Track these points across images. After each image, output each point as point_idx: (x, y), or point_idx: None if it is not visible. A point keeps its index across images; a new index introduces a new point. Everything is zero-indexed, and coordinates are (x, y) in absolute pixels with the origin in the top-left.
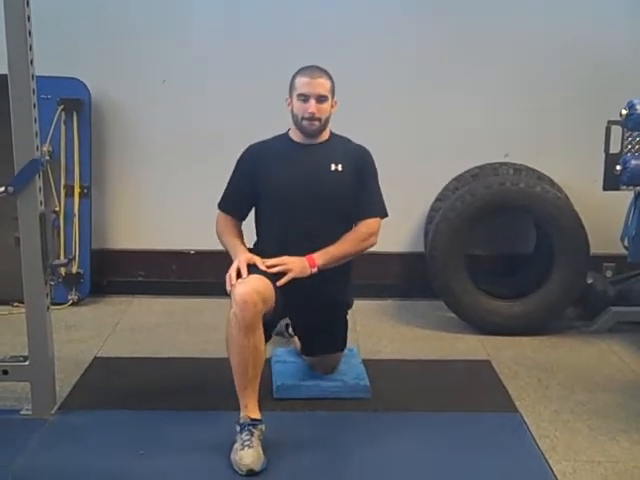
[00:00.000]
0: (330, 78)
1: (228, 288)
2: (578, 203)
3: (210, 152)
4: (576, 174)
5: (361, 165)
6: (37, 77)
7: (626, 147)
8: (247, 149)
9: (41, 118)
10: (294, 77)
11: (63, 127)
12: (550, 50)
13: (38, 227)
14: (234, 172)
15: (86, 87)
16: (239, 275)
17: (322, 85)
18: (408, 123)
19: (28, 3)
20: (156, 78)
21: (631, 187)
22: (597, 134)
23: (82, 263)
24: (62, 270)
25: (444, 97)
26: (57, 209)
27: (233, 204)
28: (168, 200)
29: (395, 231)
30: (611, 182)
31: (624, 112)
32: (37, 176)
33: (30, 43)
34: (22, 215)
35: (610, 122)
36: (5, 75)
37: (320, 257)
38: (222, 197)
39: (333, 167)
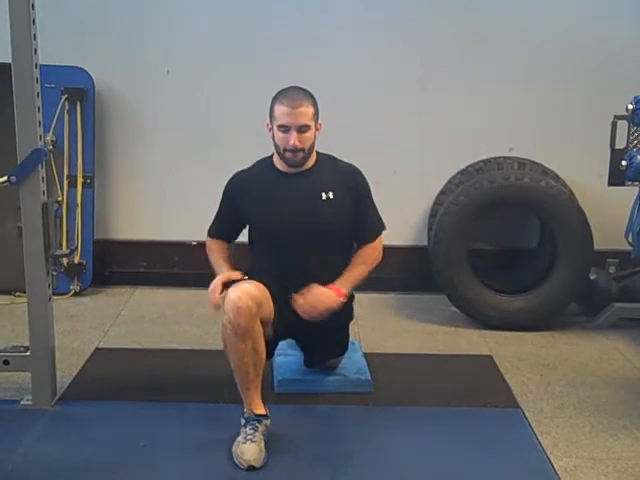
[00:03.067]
0: (312, 102)
1: (214, 301)
2: (583, 198)
3: (213, 143)
4: (581, 169)
5: (354, 187)
6: (41, 66)
7: (632, 142)
8: (231, 179)
9: (44, 107)
10: (273, 103)
11: (66, 116)
12: (556, 44)
13: (40, 217)
14: (221, 202)
15: (90, 76)
16: (225, 287)
17: (303, 114)
18: (413, 116)
19: None
20: (160, 68)
21: (636, 183)
22: (603, 129)
23: (84, 253)
24: (64, 260)
25: (449, 91)
26: (60, 199)
27: (222, 232)
28: (171, 191)
29: (398, 224)
30: (616, 177)
31: (630, 107)
32: (40, 166)
33: (34, 32)
34: (25, 205)
35: (616, 117)
36: (9, 64)
37: (343, 285)
38: (211, 225)
39: (324, 196)
